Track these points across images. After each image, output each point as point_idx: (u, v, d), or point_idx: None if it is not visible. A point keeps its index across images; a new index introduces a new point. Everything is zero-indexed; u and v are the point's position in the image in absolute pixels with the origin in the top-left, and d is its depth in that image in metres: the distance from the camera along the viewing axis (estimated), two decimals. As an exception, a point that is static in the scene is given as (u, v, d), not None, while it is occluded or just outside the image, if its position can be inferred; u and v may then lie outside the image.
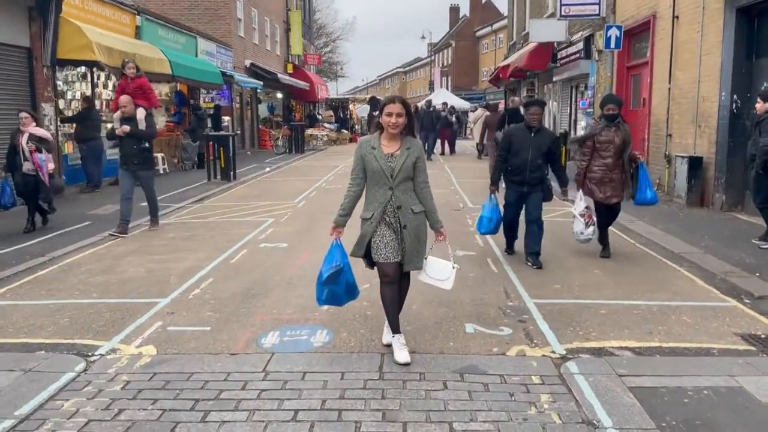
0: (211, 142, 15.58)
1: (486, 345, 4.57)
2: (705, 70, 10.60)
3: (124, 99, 8.96)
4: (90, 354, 4.51)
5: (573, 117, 19.54)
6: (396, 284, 4.38)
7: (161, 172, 16.40)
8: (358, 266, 4.52)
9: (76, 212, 10.81)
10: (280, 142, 25.67)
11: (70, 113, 13.86)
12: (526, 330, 4.88)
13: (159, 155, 16.57)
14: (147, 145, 9.00)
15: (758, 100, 7.94)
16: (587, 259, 7.18)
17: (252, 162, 20.49)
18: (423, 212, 4.39)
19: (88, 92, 14.70)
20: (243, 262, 7.10)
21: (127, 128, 8.73)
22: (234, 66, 24.48)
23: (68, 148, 13.57)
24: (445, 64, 64.72)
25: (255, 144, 27.89)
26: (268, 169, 18.38)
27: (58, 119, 12.76)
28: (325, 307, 5.20)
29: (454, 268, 4.57)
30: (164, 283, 6.27)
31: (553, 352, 4.45)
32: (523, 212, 7.18)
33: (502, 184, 7.26)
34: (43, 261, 7.30)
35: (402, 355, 4.24)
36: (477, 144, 21.54)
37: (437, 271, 4.56)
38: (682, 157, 10.78)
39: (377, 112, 9.53)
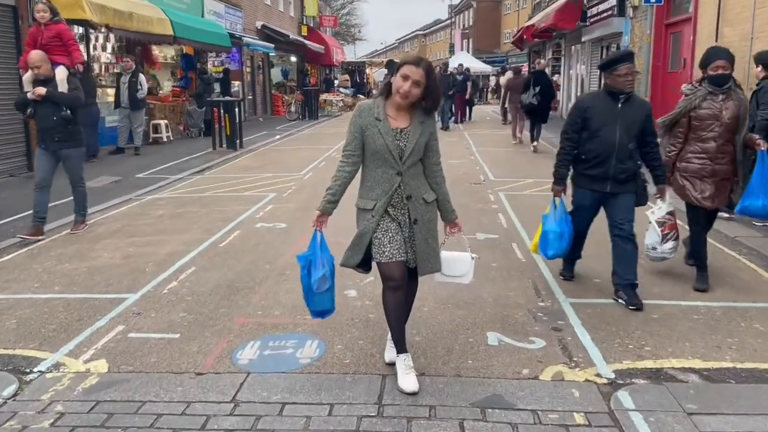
0: (216, 109, 14.67)
1: (513, 364, 3.66)
2: (759, 26, 9.38)
3: (36, 56, 6.56)
4: (28, 371, 3.68)
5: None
6: (403, 290, 3.46)
7: (164, 140, 15.56)
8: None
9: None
10: (292, 108, 24.68)
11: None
12: (562, 342, 3.96)
13: (162, 122, 15.73)
14: (69, 113, 6.69)
15: (756, 65, 6.90)
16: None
17: (262, 129, 19.57)
18: (435, 201, 3.49)
19: (84, 54, 13.78)
20: (233, 247, 6.23)
21: (42, 90, 6.48)
22: (244, 28, 23.38)
23: (62, 114, 12.72)
24: (466, 26, 62.72)
25: (267, 110, 26.91)
26: (277, 136, 17.45)
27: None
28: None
29: (472, 258, 3.69)
30: (139, 274, 5.43)
31: (599, 375, 3.53)
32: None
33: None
34: (12, 243, 6.51)
35: (408, 382, 3.35)
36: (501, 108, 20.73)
37: (453, 267, 3.67)
38: (731, 124, 9.62)
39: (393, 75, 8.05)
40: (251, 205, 8.20)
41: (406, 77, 3.25)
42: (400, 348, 3.46)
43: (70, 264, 5.77)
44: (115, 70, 14.62)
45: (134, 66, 13.75)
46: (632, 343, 3.93)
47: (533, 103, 13.52)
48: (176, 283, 5.16)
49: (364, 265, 3.55)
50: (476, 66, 37.96)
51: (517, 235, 6.59)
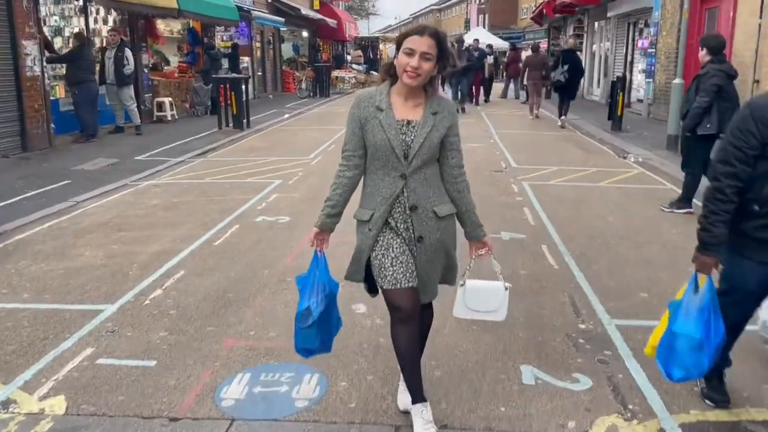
0: (222, 86, 13.95)
1: (556, 413, 2.99)
2: (814, 0, 8.52)
3: None
4: (-29, 409, 3.08)
5: (629, 59, 17.32)
6: (415, 322, 2.80)
7: (169, 118, 14.90)
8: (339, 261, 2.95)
9: (57, 167, 9.42)
10: (303, 85, 23.90)
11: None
12: (612, 381, 3.29)
13: (167, 100, 15.05)
14: None
15: (701, 48, 6.45)
16: (674, 247, 5.49)
17: (271, 107, 18.84)
18: (452, 215, 2.79)
19: (82, 28, 13.06)
20: (229, 246, 5.58)
21: None
22: (254, 1, 22.52)
23: (59, 92, 12.07)
24: (482, 0, 61.19)
25: (278, 87, 26.12)
26: (286, 115, 16.73)
27: (44, 59, 11.23)
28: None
29: (506, 289, 2.99)
30: (120, 278, 4.80)
31: (663, 431, 2.87)
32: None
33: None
34: (-12, 237, 5.91)
35: None
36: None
37: (482, 300, 2.99)
38: (778, 109, 8.80)
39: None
40: (253, 194, 7.54)
41: (411, 52, 2.56)
42: (416, 397, 2.80)
43: (45, 264, 5.15)
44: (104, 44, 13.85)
45: (120, 39, 12.90)
46: (698, 384, 3.24)
47: (561, 81, 13.92)
48: (161, 292, 4.52)
49: (371, 288, 2.90)
50: (494, 42, 36.80)
51: (547, 234, 5.88)
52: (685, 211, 6.67)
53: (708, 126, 6.27)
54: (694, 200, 6.70)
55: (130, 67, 12.64)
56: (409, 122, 2.65)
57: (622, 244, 5.60)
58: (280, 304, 4.28)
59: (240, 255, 5.32)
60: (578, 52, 22.62)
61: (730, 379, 3.20)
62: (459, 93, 17.07)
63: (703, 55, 6.45)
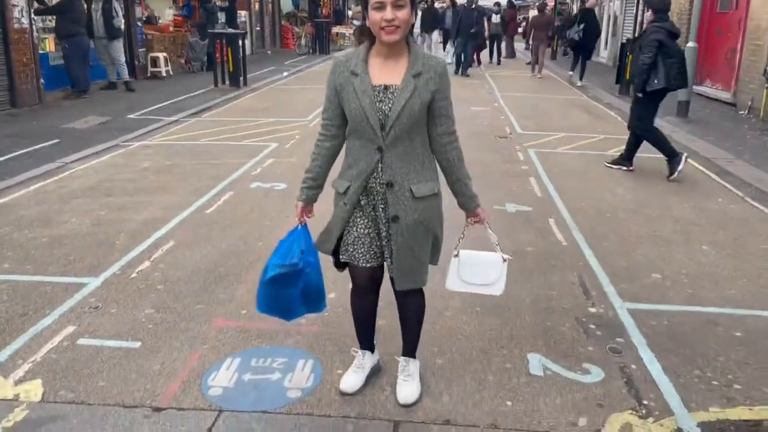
0: (219, 41, 13.49)
1: (566, 408, 2.79)
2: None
3: None
4: (-59, 394, 2.88)
5: (640, 19, 16.76)
6: (369, 296, 2.76)
7: (163, 74, 14.48)
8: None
9: (46, 124, 9.11)
10: (303, 41, 23.28)
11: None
12: (626, 372, 3.09)
13: (161, 55, 14.60)
14: None
15: (647, 8, 6.75)
16: (686, 222, 5.26)
17: (269, 64, 18.35)
18: (434, 196, 2.58)
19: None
20: (221, 214, 5.34)
21: None
22: (252, -48, 21.77)
23: (48, 45, 11.63)
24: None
25: (276, 43, 25.48)
26: (285, 73, 16.27)
27: (32, 10, 10.77)
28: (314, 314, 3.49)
29: (504, 261, 2.79)
30: (106, 248, 4.57)
31: (680, 430, 2.67)
32: None
33: None
34: (-30, 200, 5.66)
35: (406, 391, 2.79)
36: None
37: (478, 273, 2.82)
38: (795, 76, 8.47)
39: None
40: (248, 158, 7.26)
41: (380, 4, 2.30)
42: (366, 345, 2.93)
43: (29, 231, 4.91)
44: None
45: None
46: (717, 378, 3.05)
47: (575, 39, 14.06)
48: (148, 264, 4.30)
49: (338, 263, 2.75)
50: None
51: (554, 207, 5.64)
52: (627, 168, 6.87)
53: (656, 82, 6.40)
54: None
55: (119, 19, 12.18)
56: (386, 87, 2.40)
57: (632, 218, 5.36)
58: (274, 279, 4.06)
59: (233, 225, 5.07)
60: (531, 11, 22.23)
61: (755, 378, 3.01)
62: (463, 56, 16.34)
63: (648, 15, 6.67)
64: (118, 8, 12.15)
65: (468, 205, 2.68)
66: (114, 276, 4.11)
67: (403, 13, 2.31)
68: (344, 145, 2.62)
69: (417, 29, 17.76)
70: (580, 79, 14.50)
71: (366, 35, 2.46)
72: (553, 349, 3.28)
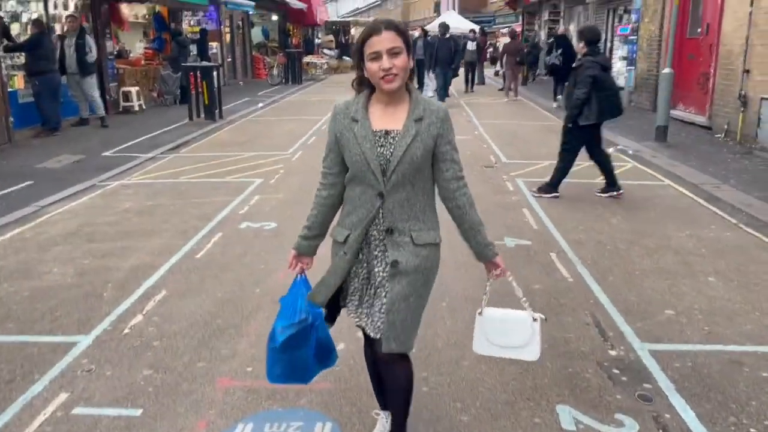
0: (192, 74, 13.29)
1: (606, 466, 2.65)
2: (810, -11, 8.29)
3: None
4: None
5: (609, 46, 17.09)
6: (393, 367, 2.53)
7: (136, 109, 14.19)
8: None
9: (17, 165, 8.80)
10: (275, 71, 23.19)
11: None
12: (660, 422, 2.95)
13: (133, 89, 14.32)
14: None
15: (579, 41, 6.94)
16: (686, 252, 5.20)
17: (243, 95, 18.19)
18: (435, 246, 2.44)
19: (41, 14, 12.27)
20: (212, 259, 5.12)
21: None
22: (222, -16, 21.69)
23: (17, 82, 11.30)
24: (452, -17, 60.63)
25: (248, 73, 25.35)
26: (260, 104, 16.12)
27: (1, 47, 10.48)
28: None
29: (535, 320, 2.61)
30: (94, 301, 4.32)
31: (728, 487, 2.54)
32: None
33: None
34: (-57, 251, 5.34)
35: None
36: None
37: (506, 333, 2.62)
38: (772, 100, 8.61)
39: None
40: (234, 195, 7.05)
41: (376, 55, 2.26)
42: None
43: (8, 284, 4.63)
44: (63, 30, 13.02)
45: (80, 26, 12.12)
46: (753, 425, 2.93)
47: (556, 64, 14.57)
48: (141, 318, 4.06)
49: (330, 317, 2.60)
50: (465, 26, 36.33)
51: (553, 240, 5.54)
52: (617, 193, 6.93)
53: (588, 116, 6.63)
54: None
55: (92, 55, 11.91)
56: (387, 132, 2.33)
57: (632, 250, 5.29)
58: (277, 331, 3.85)
59: (226, 270, 4.86)
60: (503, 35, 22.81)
61: (790, 419, 2.89)
62: (444, 87, 16.12)
63: (581, 47, 6.83)
64: (92, 44, 11.89)
65: (484, 254, 2.53)
66: (105, 333, 3.86)
67: (400, 60, 2.26)
68: (346, 192, 2.48)
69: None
70: (556, 99, 15.06)
71: (365, 85, 2.39)
72: (581, 398, 3.14)
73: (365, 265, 2.44)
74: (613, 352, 3.60)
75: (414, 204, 2.36)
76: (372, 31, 2.27)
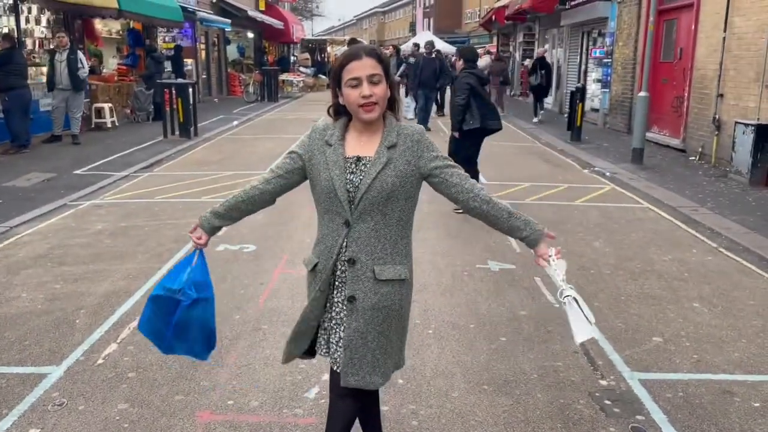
0: (167, 90, 13.11)
1: (604, 505, 2.56)
2: (781, 16, 8.49)
3: None
4: None
5: (583, 68, 17.34)
6: (345, 400, 2.35)
7: (108, 125, 13.94)
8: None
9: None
10: (251, 89, 23.04)
11: None
12: (655, 456, 2.89)
13: (106, 106, 14.07)
14: None
15: (458, 58, 7.52)
16: (670, 277, 5.19)
17: (218, 112, 18.02)
18: (400, 282, 2.25)
19: (12, 29, 12.02)
20: (190, 283, 4.95)
21: None
22: (198, 1, 21.58)
23: (-14, 98, 11.01)
24: (427, 4, 61.39)
25: (223, 90, 25.20)
26: (235, 122, 15.96)
27: (-31, 62, 10.21)
28: (314, 393, 3.22)
29: (563, 302, 2.27)
30: (66, 329, 4.13)
31: None
32: None
33: None
34: None
35: None
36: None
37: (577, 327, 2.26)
38: (746, 124, 8.76)
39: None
40: (211, 216, 6.88)
41: (356, 82, 2.16)
42: None
43: (-26, 311, 4.41)
44: (52, 46, 12.85)
45: (69, 42, 11.97)
46: None
47: (542, 84, 16.14)
48: (116, 347, 3.89)
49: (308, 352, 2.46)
50: (441, 47, 36.69)
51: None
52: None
53: (471, 122, 7.02)
54: None
55: (85, 71, 11.83)
56: (359, 159, 2.22)
57: (617, 275, 5.27)
58: (258, 360, 3.72)
59: (204, 295, 4.70)
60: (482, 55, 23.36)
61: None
62: (425, 109, 14.54)
63: (460, 64, 7.34)
64: (84, 59, 11.76)
65: (529, 233, 2.27)
66: (78, 363, 3.68)
67: (380, 89, 2.17)
68: (317, 218, 2.36)
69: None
70: (538, 114, 16.68)
71: (341, 113, 2.29)
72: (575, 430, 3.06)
73: (327, 294, 2.31)
74: (603, 382, 3.54)
75: (383, 236, 2.21)
76: (352, 56, 2.18)
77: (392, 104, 2.28)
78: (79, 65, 11.60)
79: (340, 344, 2.26)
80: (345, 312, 2.24)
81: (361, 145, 2.25)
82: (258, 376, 3.53)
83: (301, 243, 5.69)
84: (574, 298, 2.22)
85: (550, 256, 2.26)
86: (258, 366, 3.66)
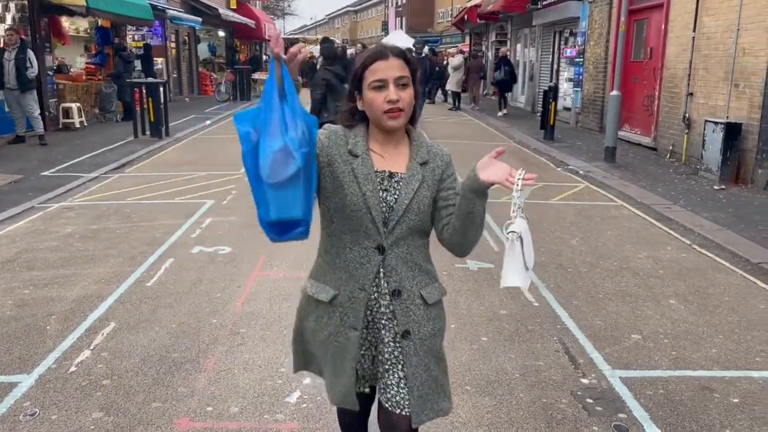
0: (137, 90, 12.86)
1: (590, 505, 2.56)
2: (749, 16, 8.64)
3: None
4: None
5: (555, 67, 17.49)
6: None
7: (77, 126, 13.64)
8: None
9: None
10: (222, 88, 22.76)
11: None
12: (638, 455, 2.89)
13: (74, 105, 13.76)
14: None
15: (321, 56, 8.67)
16: (646, 275, 5.24)
17: (190, 111, 17.78)
18: (441, 302, 2.10)
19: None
20: (164, 287, 4.85)
21: None
22: (168, -1, 21.27)
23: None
24: (399, 3, 61.46)
25: (195, 89, 24.87)
26: (208, 121, 15.76)
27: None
28: (295, 398, 3.16)
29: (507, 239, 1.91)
30: (37, 335, 4.01)
31: None
32: None
33: None
34: None
35: None
36: (452, 92, 20.65)
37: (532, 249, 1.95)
38: (716, 122, 8.90)
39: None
40: (184, 218, 6.77)
41: (381, 83, 1.90)
42: None
43: (-61, 319, 4.26)
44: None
45: (20, 39, 11.57)
46: None
47: (505, 79, 17.65)
48: (89, 354, 3.78)
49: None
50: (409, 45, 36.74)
51: (515, 263, 5.49)
52: None
53: (326, 116, 7.41)
54: None
55: (33, 70, 11.35)
56: (391, 175, 1.97)
57: (594, 272, 5.30)
58: (238, 365, 3.65)
59: (180, 299, 4.61)
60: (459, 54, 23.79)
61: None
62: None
63: (320, 62, 7.96)
64: (33, 59, 11.36)
65: (468, 179, 1.90)
66: (50, 371, 3.57)
67: (407, 94, 1.92)
68: (324, 237, 2.09)
69: None
70: (504, 108, 18.02)
71: (357, 119, 2.02)
72: (557, 431, 3.05)
73: (368, 336, 2.05)
74: (585, 381, 3.54)
75: (417, 257, 2.02)
76: (377, 55, 1.92)
77: (413, 115, 2.01)
78: (28, 64, 11.22)
79: (402, 385, 2.00)
80: (399, 349, 2.00)
81: (387, 159, 1.99)
82: (237, 381, 3.46)
83: (277, 245, 5.60)
84: (520, 238, 1.86)
85: (518, 178, 1.82)
86: (237, 371, 3.58)
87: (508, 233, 1.88)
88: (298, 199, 1.82)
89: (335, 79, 7.65)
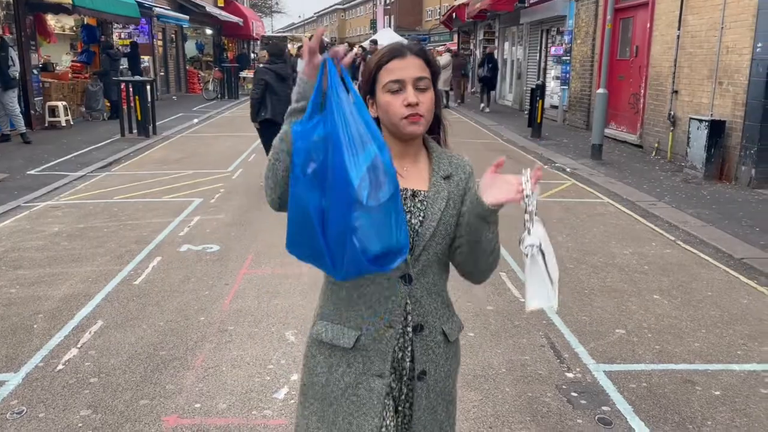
0: (124, 88, 12.81)
1: (574, 497, 2.60)
2: (732, 15, 8.74)
3: None
4: None
5: (542, 66, 17.57)
6: None
7: (63, 124, 13.56)
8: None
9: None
10: (210, 86, 22.70)
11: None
12: (621, 447, 2.94)
13: (60, 104, 13.67)
14: None
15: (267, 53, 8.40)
16: (631, 270, 5.30)
17: (177, 110, 17.71)
18: (458, 338, 1.82)
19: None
20: (152, 285, 4.86)
21: None
22: (154, -4, 21.15)
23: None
24: (388, 1, 61.48)
25: (182, 87, 24.78)
26: (195, 120, 15.71)
27: None
28: (283, 394, 3.18)
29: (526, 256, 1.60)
30: (24, 334, 4.00)
31: None
32: None
33: None
34: None
35: None
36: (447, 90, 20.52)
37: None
38: (700, 120, 8.99)
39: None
40: (172, 216, 6.77)
41: (399, 85, 1.64)
42: None
43: (-75, 318, 4.24)
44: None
45: (1, 38, 11.47)
46: None
47: (488, 75, 18.71)
48: (76, 352, 3.78)
49: None
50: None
51: (501, 259, 5.53)
52: None
53: (263, 114, 7.60)
54: None
55: (15, 69, 11.28)
56: (414, 194, 1.69)
57: (580, 269, 5.36)
58: (226, 362, 3.66)
59: (167, 297, 4.61)
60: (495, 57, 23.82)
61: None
62: None
63: (265, 56, 7.99)
64: (15, 57, 11.26)
65: (481, 205, 1.58)
66: (37, 369, 3.57)
67: (427, 98, 1.65)
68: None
69: None
70: (488, 106, 18.57)
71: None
72: (543, 424, 3.10)
73: (391, 383, 1.73)
74: (570, 375, 3.59)
75: (441, 288, 1.75)
76: (393, 53, 1.66)
77: (437, 125, 1.78)
78: (10, 63, 11.13)
79: (403, 428, 1.74)
80: (407, 389, 1.72)
81: (406, 175, 1.70)
82: (225, 378, 3.48)
83: (265, 243, 5.62)
84: (541, 250, 1.57)
85: (526, 182, 1.56)
86: (225, 368, 3.60)
87: (525, 248, 1.57)
88: (402, 220, 1.52)
89: (275, 78, 7.67)
